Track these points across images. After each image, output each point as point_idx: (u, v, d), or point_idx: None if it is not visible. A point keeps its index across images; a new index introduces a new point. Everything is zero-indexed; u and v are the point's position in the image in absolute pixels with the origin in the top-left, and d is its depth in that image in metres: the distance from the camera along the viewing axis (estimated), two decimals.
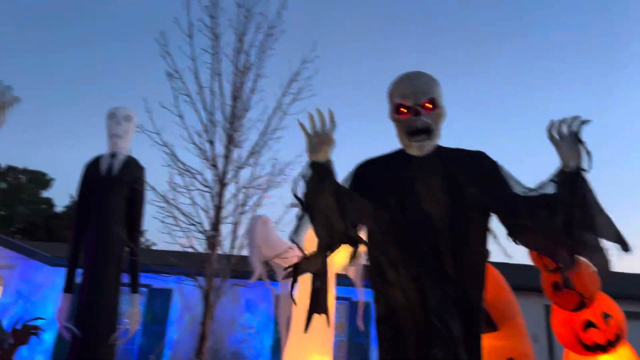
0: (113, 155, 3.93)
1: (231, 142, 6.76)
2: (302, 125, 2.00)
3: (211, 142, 6.55)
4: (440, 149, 2.13)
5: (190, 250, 6.38)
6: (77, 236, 3.82)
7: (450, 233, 1.96)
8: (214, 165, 6.47)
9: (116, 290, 3.65)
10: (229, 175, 6.68)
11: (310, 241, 2.29)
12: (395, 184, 2.08)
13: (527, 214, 1.94)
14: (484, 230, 2.04)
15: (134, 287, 3.79)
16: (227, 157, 6.69)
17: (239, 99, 6.85)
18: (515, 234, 2.00)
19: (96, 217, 3.75)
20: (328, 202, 1.98)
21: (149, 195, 4.20)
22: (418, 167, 2.08)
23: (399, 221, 2.02)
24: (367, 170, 2.20)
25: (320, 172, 1.98)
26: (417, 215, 2.00)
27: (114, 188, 3.81)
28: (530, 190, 2.02)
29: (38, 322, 2.92)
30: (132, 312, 3.65)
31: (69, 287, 3.76)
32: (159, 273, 5.15)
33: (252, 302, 10.94)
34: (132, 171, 3.93)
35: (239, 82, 6.83)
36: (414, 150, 2.09)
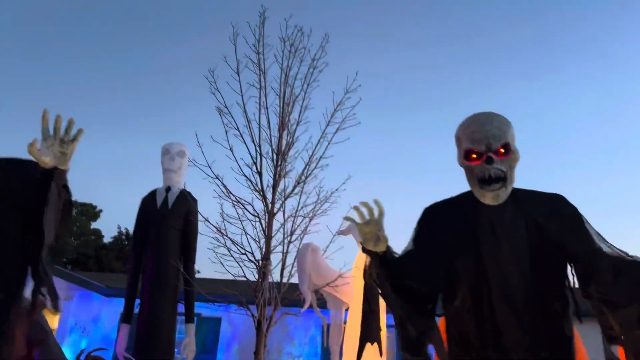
0: (168, 189, 4.10)
1: (278, 172, 6.89)
2: (349, 218, 1.93)
3: (260, 173, 6.71)
4: (514, 192, 1.98)
5: (241, 279, 6.49)
6: (135, 267, 3.97)
7: (532, 287, 1.83)
8: (263, 196, 6.61)
9: (172, 320, 3.76)
10: (277, 204, 6.79)
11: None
12: (468, 231, 1.96)
13: (610, 278, 1.79)
14: (565, 281, 1.89)
15: (189, 316, 3.89)
16: (274, 187, 6.82)
17: (285, 131, 7.01)
18: (590, 297, 1.84)
19: (152, 249, 3.90)
20: (389, 293, 1.92)
21: (201, 226, 4.33)
22: (493, 215, 1.95)
23: (474, 272, 1.91)
24: (437, 215, 2.08)
25: (375, 263, 1.92)
26: (495, 267, 1.88)
27: (169, 221, 3.96)
28: (614, 247, 1.87)
29: (100, 353, 3.04)
30: (187, 342, 3.74)
31: (127, 318, 3.88)
32: (211, 302, 5.27)
33: (299, 330, 10.92)
34: (186, 204, 4.08)
35: (285, 115, 7.00)
36: (488, 200, 1.94)
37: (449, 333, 1.96)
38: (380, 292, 1.98)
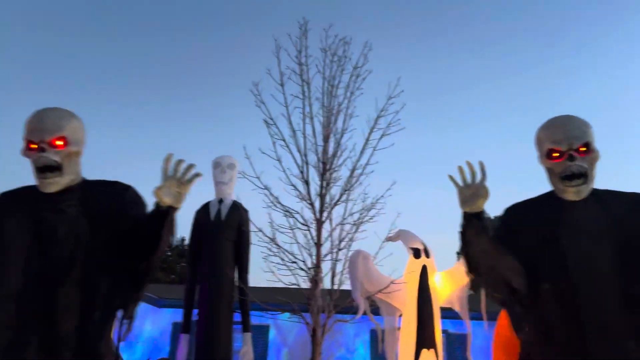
0: (220, 201, 4.22)
1: (325, 180, 6.95)
2: (452, 178, 2.00)
3: (307, 182, 6.79)
4: (596, 192, 2.04)
5: (293, 287, 6.57)
6: (191, 278, 4.10)
7: (618, 281, 1.85)
8: (311, 204, 6.68)
9: (229, 330, 3.85)
10: (325, 212, 6.85)
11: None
12: (550, 229, 2.00)
13: None
14: None
15: (245, 325, 3.97)
16: (322, 195, 6.88)
17: (330, 140, 7.07)
18: None
19: (208, 260, 4.01)
20: (487, 250, 1.97)
21: (253, 236, 4.42)
22: (575, 211, 2.00)
23: (556, 270, 1.93)
24: (518, 215, 2.13)
25: (476, 223, 1.96)
26: (578, 263, 1.90)
27: (223, 232, 4.07)
28: None
29: None
30: (245, 350, 3.82)
31: (186, 328, 4.00)
32: (266, 310, 5.38)
33: (348, 336, 10.90)
34: (239, 215, 4.18)
35: (329, 124, 7.07)
36: (570, 195, 2.00)
37: (531, 331, 1.98)
38: (479, 251, 2.00)
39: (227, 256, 4.02)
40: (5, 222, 2.01)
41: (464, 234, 2.00)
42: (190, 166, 1.94)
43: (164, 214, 1.93)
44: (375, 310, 4.67)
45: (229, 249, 4.05)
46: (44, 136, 1.98)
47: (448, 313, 4.87)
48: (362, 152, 7.11)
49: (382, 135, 7.24)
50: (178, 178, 1.93)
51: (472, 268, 2.04)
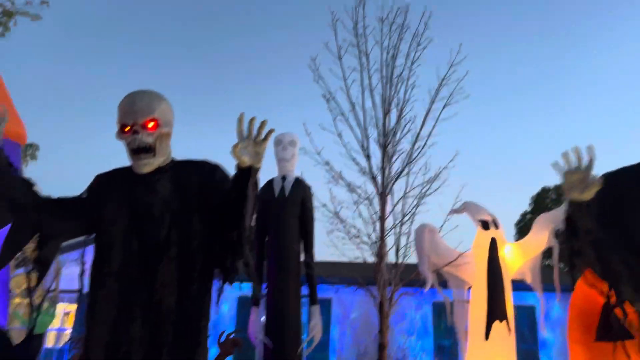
0: (283, 178, 4.26)
1: (386, 154, 6.87)
2: (557, 165, 1.92)
3: (368, 157, 6.73)
4: None
5: (357, 261, 6.60)
6: (260, 254, 4.19)
7: None
8: (374, 178, 6.64)
9: (298, 303, 3.92)
10: (388, 186, 6.79)
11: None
12: None
13: None
14: None
15: (313, 298, 4.02)
16: (383, 169, 6.81)
17: (390, 112, 6.96)
18: None
19: (274, 236, 4.08)
20: (591, 237, 1.91)
21: (316, 211, 4.46)
22: None
23: None
24: (618, 180, 2.08)
25: (581, 213, 1.91)
26: None
27: (287, 208, 4.12)
28: None
29: (238, 335, 3.24)
30: (314, 323, 3.88)
31: (256, 301, 4.11)
32: (332, 284, 5.45)
33: (409, 309, 10.87)
34: (302, 191, 4.21)
35: (389, 95, 6.95)
36: None
37: None
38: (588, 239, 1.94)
39: (292, 232, 4.07)
40: (104, 203, 2.11)
41: (570, 221, 1.93)
42: (264, 123, 1.92)
43: (246, 175, 1.93)
44: (442, 283, 4.62)
45: (294, 224, 4.10)
46: (137, 118, 2.05)
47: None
48: (423, 124, 6.95)
49: (445, 105, 7.04)
50: (253, 137, 1.92)
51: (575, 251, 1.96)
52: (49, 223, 2.06)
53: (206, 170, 2.17)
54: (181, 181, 2.12)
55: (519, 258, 4.41)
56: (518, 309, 10.01)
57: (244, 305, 10.99)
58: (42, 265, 2.06)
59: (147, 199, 2.07)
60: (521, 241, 4.56)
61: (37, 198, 2.10)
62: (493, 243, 4.28)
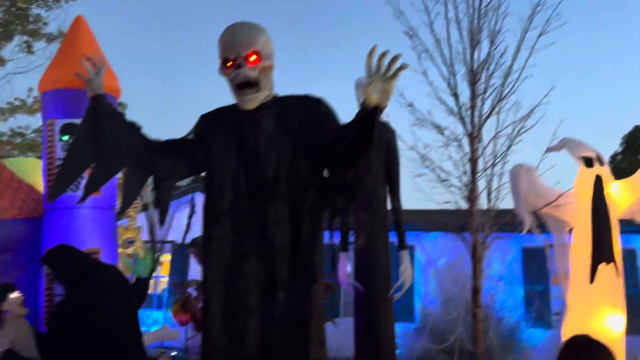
0: None
1: (475, 91, 6.46)
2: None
3: (455, 95, 6.37)
4: None
5: (448, 205, 6.39)
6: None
7: None
8: (462, 118, 6.30)
9: (386, 248, 3.87)
10: (477, 126, 6.43)
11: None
12: None
13: None
14: None
15: (402, 244, 3.96)
16: (472, 107, 6.43)
17: (479, 45, 6.48)
18: None
19: (359, 182, 4.01)
20: None
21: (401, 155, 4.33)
22: None
23: None
24: None
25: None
26: None
27: (373, 152, 4.01)
28: None
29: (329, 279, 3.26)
30: (404, 268, 3.82)
31: (345, 247, 4.11)
32: (424, 230, 5.35)
33: (496, 253, 10.48)
34: (386, 135, 4.08)
35: (477, 27, 6.45)
36: None
37: None
38: None
39: (378, 176, 3.98)
40: (211, 143, 2.14)
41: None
42: (395, 57, 1.76)
43: (372, 115, 1.83)
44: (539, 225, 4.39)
45: (380, 169, 3.99)
46: (239, 51, 2.01)
47: None
48: (515, 56, 6.41)
49: (540, 34, 6.41)
50: (382, 73, 1.78)
51: None
52: (162, 165, 2.11)
53: (310, 105, 2.11)
54: (286, 117, 2.07)
55: (628, 196, 4.09)
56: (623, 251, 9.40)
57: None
58: (161, 206, 2.14)
59: (253, 137, 2.05)
60: (631, 177, 4.22)
61: (147, 141, 2.15)
62: (598, 181, 3.99)
